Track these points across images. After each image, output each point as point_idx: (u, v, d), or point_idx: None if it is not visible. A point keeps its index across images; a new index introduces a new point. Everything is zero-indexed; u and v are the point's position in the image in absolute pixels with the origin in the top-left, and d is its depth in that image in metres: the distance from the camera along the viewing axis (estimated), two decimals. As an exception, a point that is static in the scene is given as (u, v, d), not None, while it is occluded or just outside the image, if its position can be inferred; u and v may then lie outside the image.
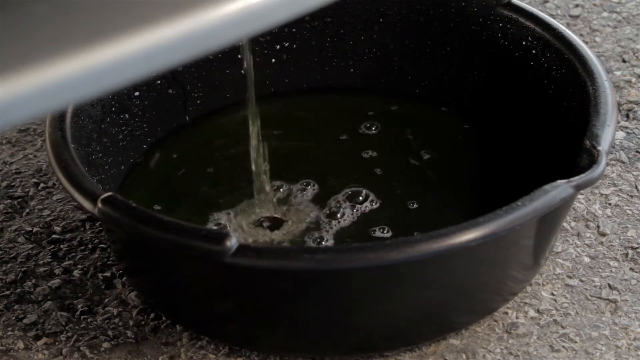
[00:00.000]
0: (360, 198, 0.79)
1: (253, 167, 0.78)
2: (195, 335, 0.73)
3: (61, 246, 0.81)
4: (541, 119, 0.80)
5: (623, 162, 0.86)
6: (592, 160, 0.67)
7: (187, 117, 0.87)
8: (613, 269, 0.77)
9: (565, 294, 0.75)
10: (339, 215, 0.78)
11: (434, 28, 0.87)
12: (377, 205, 0.79)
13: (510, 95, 0.83)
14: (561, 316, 0.74)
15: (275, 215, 0.78)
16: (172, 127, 0.86)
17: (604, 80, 0.74)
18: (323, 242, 0.76)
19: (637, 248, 0.78)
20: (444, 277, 0.67)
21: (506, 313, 0.74)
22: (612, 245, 0.79)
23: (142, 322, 0.74)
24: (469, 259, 0.67)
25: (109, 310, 0.75)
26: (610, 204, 0.82)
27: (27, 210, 0.84)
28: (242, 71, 0.77)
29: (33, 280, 0.78)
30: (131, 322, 0.74)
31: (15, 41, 0.42)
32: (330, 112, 0.89)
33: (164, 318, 0.74)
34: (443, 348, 0.72)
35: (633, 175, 0.85)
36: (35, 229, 0.82)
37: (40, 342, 0.73)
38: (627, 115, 0.91)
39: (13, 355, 0.73)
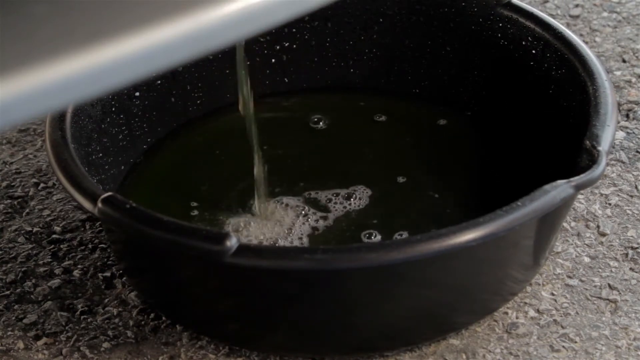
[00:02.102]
0: (359, 198, 0.79)
1: (255, 170, 0.78)
2: (195, 335, 0.73)
3: (61, 246, 0.81)
4: (541, 119, 0.80)
5: (623, 162, 0.86)
6: (592, 161, 0.67)
7: (187, 117, 0.87)
8: (613, 269, 0.77)
9: (565, 294, 0.75)
10: (337, 215, 0.78)
11: (434, 28, 0.87)
12: (376, 205, 0.79)
13: (511, 95, 0.83)
14: (561, 316, 0.74)
15: (274, 215, 0.78)
16: (172, 127, 0.86)
17: (604, 80, 0.74)
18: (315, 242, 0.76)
19: (637, 248, 0.78)
20: (444, 277, 0.67)
21: (506, 313, 0.74)
22: (612, 245, 0.79)
23: (142, 322, 0.74)
24: (469, 259, 0.67)
25: (109, 310, 0.75)
26: (610, 204, 0.82)
27: (27, 210, 0.84)
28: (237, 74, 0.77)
29: (33, 280, 0.78)
30: (131, 322, 0.74)
31: (15, 41, 0.42)
32: (330, 112, 0.89)
33: (164, 318, 0.74)
34: (443, 348, 0.72)
35: (633, 175, 0.85)
36: (35, 229, 0.82)
37: (40, 342, 0.73)
38: (627, 115, 0.91)
39: (13, 355, 0.73)
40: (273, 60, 0.89)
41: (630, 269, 0.77)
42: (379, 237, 0.76)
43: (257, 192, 0.78)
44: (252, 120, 0.77)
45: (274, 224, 0.77)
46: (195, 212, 0.79)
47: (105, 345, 0.73)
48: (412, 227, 0.77)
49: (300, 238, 0.76)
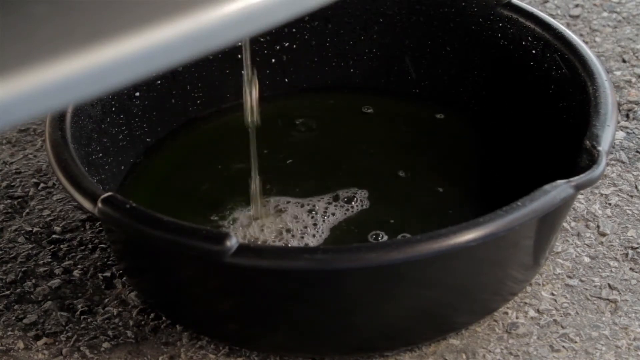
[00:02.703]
0: (359, 198, 0.79)
1: (252, 173, 0.78)
2: (195, 335, 0.73)
3: (61, 246, 0.81)
4: (541, 119, 0.80)
5: (623, 162, 0.86)
6: (592, 161, 0.67)
7: (187, 117, 0.87)
8: (613, 269, 0.77)
9: (565, 294, 0.75)
10: (337, 216, 0.78)
11: (434, 28, 0.87)
12: (376, 205, 0.79)
13: (511, 95, 0.83)
14: (561, 316, 0.74)
15: (276, 216, 0.78)
16: (172, 127, 0.86)
17: (604, 80, 0.74)
18: (318, 242, 0.76)
19: (637, 248, 0.78)
20: (444, 277, 0.67)
21: (506, 313, 0.74)
22: (612, 245, 0.79)
23: (142, 322, 0.74)
24: (469, 259, 0.67)
25: (109, 310, 0.75)
26: (610, 204, 0.82)
27: (27, 210, 0.84)
28: (242, 72, 0.77)
29: (33, 280, 0.78)
30: (131, 322, 0.74)
31: (15, 41, 0.42)
32: (331, 112, 0.89)
33: (164, 318, 0.74)
34: (443, 348, 0.72)
35: (633, 175, 0.85)
36: (35, 229, 0.82)
37: (40, 342, 0.73)
38: (627, 115, 0.91)
39: (13, 355, 0.73)
40: (273, 60, 0.89)
41: (630, 269, 0.77)
42: (385, 238, 0.76)
43: (254, 194, 0.78)
44: (254, 130, 0.77)
45: (276, 224, 0.77)
46: (195, 212, 0.79)
47: (105, 345, 0.73)
48: (411, 226, 0.77)
49: (303, 239, 0.76)
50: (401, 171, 0.82)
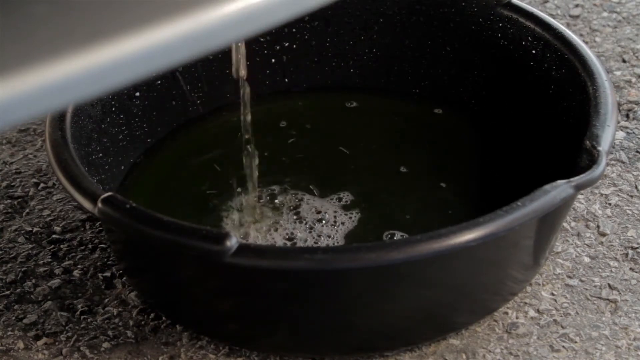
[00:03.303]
0: (359, 199, 0.79)
1: (247, 171, 0.78)
2: (195, 335, 0.73)
3: (61, 246, 0.81)
4: (541, 119, 0.80)
5: (623, 162, 0.86)
6: (592, 161, 0.67)
7: (187, 117, 0.87)
8: (613, 269, 0.77)
9: (565, 294, 0.75)
10: (337, 217, 0.78)
11: (434, 28, 0.87)
12: (376, 205, 0.79)
13: (511, 95, 0.83)
14: (561, 316, 0.74)
15: (270, 215, 0.78)
16: (172, 127, 0.86)
17: (604, 80, 0.74)
18: (321, 243, 0.76)
19: (637, 248, 0.78)
20: (444, 277, 0.67)
21: (506, 313, 0.74)
22: (612, 245, 0.79)
23: (142, 322, 0.74)
24: (469, 259, 0.67)
25: (109, 310, 0.75)
26: (610, 204, 0.82)
27: (27, 210, 0.84)
28: (241, 74, 0.77)
29: (33, 280, 0.78)
30: (131, 322, 0.74)
31: (15, 41, 0.42)
32: (331, 112, 0.89)
33: (164, 318, 0.74)
34: (443, 348, 0.72)
35: (633, 175, 0.85)
36: (35, 229, 0.82)
37: (40, 342, 0.73)
38: (627, 115, 0.91)
39: (13, 355, 0.73)
40: (273, 60, 0.89)
41: (630, 269, 0.77)
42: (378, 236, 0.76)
43: (249, 192, 0.78)
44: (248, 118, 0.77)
45: (278, 224, 0.77)
46: (195, 212, 0.79)
47: (105, 345, 0.73)
48: (410, 226, 0.77)
49: (307, 240, 0.76)
50: (399, 171, 0.82)
